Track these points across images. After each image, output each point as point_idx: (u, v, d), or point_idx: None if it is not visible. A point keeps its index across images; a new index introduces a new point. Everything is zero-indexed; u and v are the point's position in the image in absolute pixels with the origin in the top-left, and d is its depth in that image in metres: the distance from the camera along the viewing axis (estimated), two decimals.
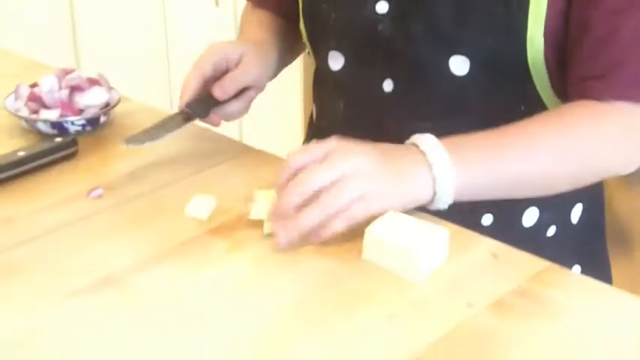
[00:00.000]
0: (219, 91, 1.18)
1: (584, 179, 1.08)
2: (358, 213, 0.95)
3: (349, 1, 1.18)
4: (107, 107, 1.29)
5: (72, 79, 1.29)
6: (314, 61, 1.31)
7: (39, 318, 0.89)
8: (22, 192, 1.13)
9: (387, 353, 0.84)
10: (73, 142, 1.22)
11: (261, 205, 1.02)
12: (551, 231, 1.24)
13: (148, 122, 1.28)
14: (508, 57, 1.09)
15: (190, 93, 1.17)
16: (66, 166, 1.20)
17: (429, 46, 1.12)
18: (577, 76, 1.07)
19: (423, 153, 0.98)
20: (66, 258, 0.99)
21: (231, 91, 1.19)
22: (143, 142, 1.13)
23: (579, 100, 1.06)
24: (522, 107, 1.13)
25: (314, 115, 1.38)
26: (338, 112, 1.27)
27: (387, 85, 1.18)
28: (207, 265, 0.97)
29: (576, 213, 1.26)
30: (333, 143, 0.97)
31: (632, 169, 1.08)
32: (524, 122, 1.04)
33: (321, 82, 1.31)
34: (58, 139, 1.22)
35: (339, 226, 0.95)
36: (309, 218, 0.94)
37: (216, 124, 1.22)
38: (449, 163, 0.97)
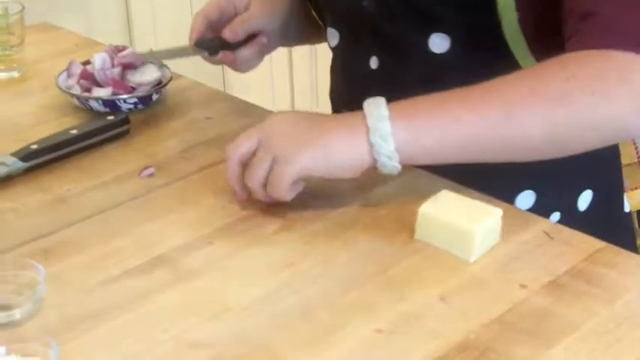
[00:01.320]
0: (229, 33, 1.19)
1: (569, 137, 0.94)
2: (274, 180, 0.97)
3: None
4: (159, 85, 1.29)
5: (124, 56, 1.29)
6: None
7: (93, 297, 0.90)
8: (74, 170, 1.14)
9: (440, 334, 0.84)
10: (126, 121, 1.23)
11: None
12: (555, 217, 1.18)
13: (201, 99, 1.29)
14: (486, 31, 1.06)
15: (196, 34, 1.20)
16: (118, 145, 1.20)
17: (409, 24, 1.11)
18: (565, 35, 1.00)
19: (363, 116, 0.96)
20: (117, 237, 0.99)
21: (242, 32, 1.20)
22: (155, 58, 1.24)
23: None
24: None
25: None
26: (337, 87, 1.29)
27: (374, 62, 1.18)
28: (258, 245, 0.98)
29: (584, 200, 1.21)
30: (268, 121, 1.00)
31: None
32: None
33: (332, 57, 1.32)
34: (111, 118, 1.22)
35: (260, 196, 0.99)
36: (240, 195, 1.02)
37: (230, 63, 1.23)
38: (386, 122, 0.94)
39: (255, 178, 0.97)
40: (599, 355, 0.81)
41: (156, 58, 1.25)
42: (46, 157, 1.14)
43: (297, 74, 3.10)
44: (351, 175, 0.97)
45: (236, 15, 1.21)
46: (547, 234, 0.98)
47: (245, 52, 1.22)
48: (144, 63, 1.29)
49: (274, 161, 0.96)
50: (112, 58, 1.29)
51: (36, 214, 1.04)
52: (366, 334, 0.84)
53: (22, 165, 1.11)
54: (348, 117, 0.98)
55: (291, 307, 0.87)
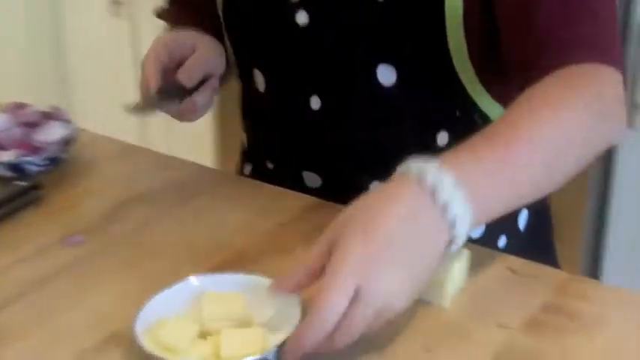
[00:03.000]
0: (185, 77, 1.08)
1: (585, 160, 0.93)
2: (374, 327, 0.81)
3: (268, 13, 1.12)
4: (66, 143, 1.21)
5: (25, 114, 1.20)
6: (240, 84, 1.23)
7: None
8: None
9: None
10: (38, 185, 1.13)
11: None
12: (502, 241, 1.17)
13: (113, 154, 1.21)
14: (434, 61, 1.04)
15: (155, 81, 1.07)
16: (32, 212, 1.11)
17: (354, 57, 1.07)
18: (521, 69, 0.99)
19: (442, 212, 0.81)
20: (62, 314, 0.91)
21: (198, 75, 1.09)
22: (145, 111, 1.07)
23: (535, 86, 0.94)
24: (457, 112, 1.09)
25: (245, 145, 1.29)
26: (259, 139, 1.23)
27: (315, 102, 1.12)
28: None
29: (523, 220, 1.20)
30: (355, 271, 0.79)
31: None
32: (509, 120, 0.90)
33: (251, 107, 1.24)
34: (20, 182, 1.13)
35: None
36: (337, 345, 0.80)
37: (191, 110, 1.10)
38: (468, 216, 0.83)
39: (352, 337, 0.80)
40: None
41: (138, 113, 1.08)
42: None
43: None
44: None
45: (183, 58, 1.10)
46: (511, 269, 0.96)
47: (201, 98, 1.10)
48: (47, 120, 1.21)
49: (375, 311, 0.79)
50: (13, 117, 1.20)
51: None
52: None
53: None
54: (429, 223, 0.82)
55: None
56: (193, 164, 1.21)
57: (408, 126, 1.10)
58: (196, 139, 2.54)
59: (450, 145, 1.07)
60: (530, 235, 1.21)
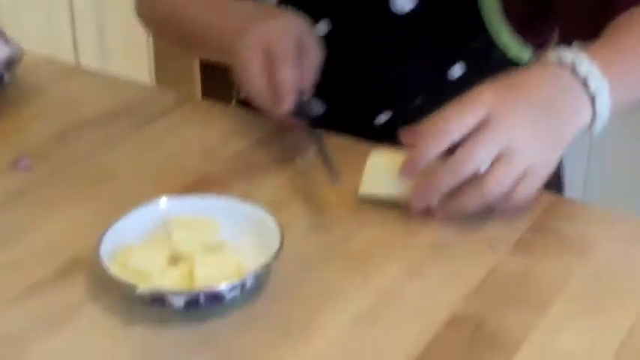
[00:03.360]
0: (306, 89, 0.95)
1: None
2: (522, 194, 0.81)
3: None
4: (11, 63, 1.11)
5: None
6: None
7: (5, 323, 0.75)
8: None
9: (423, 313, 0.75)
10: None
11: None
12: None
13: (58, 76, 1.12)
14: None
15: (293, 95, 0.91)
16: None
17: None
18: None
19: (582, 84, 0.83)
20: (14, 244, 0.83)
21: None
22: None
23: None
24: (475, 44, 1.04)
25: None
26: None
27: (323, 27, 1.05)
28: None
29: None
30: (487, 101, 0.80)
31: None
32: (622, 29, 0.91)
33: None
34: None
35: (505, 209, 0.83)
36: (470, 203, 0.81)
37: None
38: (606, 91, 0.83)
39: (500, 187, 0.80)
40: (591, 313, 0.76)
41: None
42: None
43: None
44: None
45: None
46: None
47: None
48: None
49: (524, 174, 0.80)
50: None
51: None
52: (344, 325, 0.74)
53: None
54: (569, 96, 0.83)
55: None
56: (146, 87, 1.14)
57: (422, 56, 1.04)
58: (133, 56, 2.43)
59: (464, 78, 1.03)
60: None
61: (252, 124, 1.04)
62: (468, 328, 0.73)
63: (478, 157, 0.79)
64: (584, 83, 0.82)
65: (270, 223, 0.81)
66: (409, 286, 0.78)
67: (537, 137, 0.81)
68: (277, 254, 0.77)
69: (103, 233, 0.78)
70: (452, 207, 0.83)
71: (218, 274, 0.76)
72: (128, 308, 0.75)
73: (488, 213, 0.85)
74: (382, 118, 1.08)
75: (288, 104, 0.91)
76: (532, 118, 0.81)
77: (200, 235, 0.80)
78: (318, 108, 1.10)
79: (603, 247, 0.83)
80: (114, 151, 0.99)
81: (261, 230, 0.81)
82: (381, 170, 0.86)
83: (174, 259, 0.78)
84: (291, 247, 0.79)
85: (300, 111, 0.93)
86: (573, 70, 0.82)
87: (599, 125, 0.84)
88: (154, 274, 0.76)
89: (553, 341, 0.72)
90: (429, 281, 0.79)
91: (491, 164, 0.79)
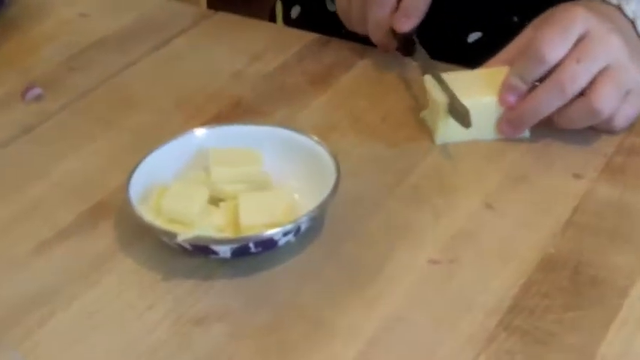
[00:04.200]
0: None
1: None
2: (627, 114, 0.75)
3: None
4: None
5: None
6: None
7: (28, 275, 0.65)
8: None
9: (509, 255, 0.65)
10: None
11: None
12: None
13: None
14: None
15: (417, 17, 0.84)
16: None
17: None
18: None
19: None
20: (31, 188, 0.73)
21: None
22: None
23: None
24: None
25: None
26: None
27: None
28: None
29: None
30: (583, 18, 0.73)
31: None
32: None
33: None
34: None
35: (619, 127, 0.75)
36: (577, 121, 0.74)
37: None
38: None
39: (608, 108, 0.73)
40: None
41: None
42: None
43: None
44: None
45: None
46: None
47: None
48: None
49: (627, 93, 0.74)
50: None
51: None
52: (419, 269, 0.63)
53: None
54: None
55: None
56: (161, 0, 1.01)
57: None
58: None
59: None
60: None
61: (286, 41, 0.92)
62: (566, 274, 0.63)
63: (584, 74, 0.71)
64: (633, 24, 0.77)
65: (321, 153, 0.70)
66: (489, 223, 0.68)
67: (634, 57, 0.74)
68: (334, 191, 0.66)
69: (131, 172, 0.68)
70: (558, 124, 0.74)
71: (267, 216, 0.65)
72: (165, 259, 0.65)
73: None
74: (472, 37, 0.96)
75: (412, 23, 0.83)
76: (624, 39, 0.74)
77: (243, 171, 0.69)
78: None
79: None
80: (133, 76, 0.88)
81: (312, 162, 0.70)
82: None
83: (215, 200, 0.67)
84: (346, 180, 0.68)
85: (409, 45, 0.84)
86: (620, 9, 0.77)
87: None
88: (194, 218, 0.65)
89: None
90: (510, 217, 0.68)
91: (595, 81, 0.71)
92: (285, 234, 0.64)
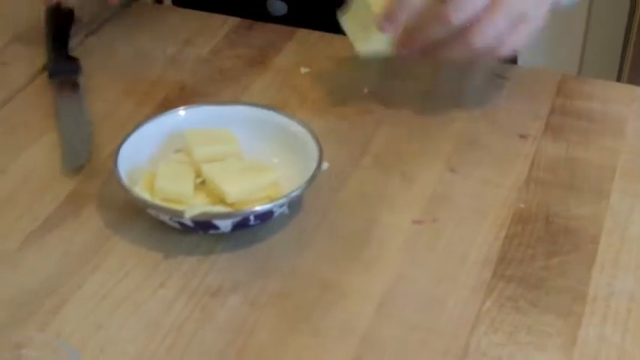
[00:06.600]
0: None
1: None
2: (518, 40, 0.75)
3: None
4: None
5: None
6: None
7: None
8: None
9: (479, 210, 0.70)
10: None
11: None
12: None
13: None
14: None
15: None
16: None
17: None
18: None
19: None
20: None
21: None
22: None
23: None
24: None
25: None
26: None
27: None
28: None
29: None
30: None
31: None
32: None
33: None
34: None
35: (502, 54, 0.75)
36: (478, 46, 0.73)
37: None
38: None
39: (495, 30, 0.73)
40: None
41: None
42: None
43: None
44: None
45: None
46: (499, 76, 0.86)
47: None
48: None
49: (518, 19, 0.74)
50: None
51: None
52: (405, 229, 0.68)
53: None
54: None
55: None
56: None
57: None
58: None
59: None
60: None
61: (211, 26, 0.93)
62: (539, 224, 0.68)
63: (470, 6, 0.72)
64: None
65: (294, 127, 0.72)
66: (457, 184, 0.73)
67: None
68: (320, 163, 0.69)
69: (115, 159, 0.68)
70: (439, 56, 0.76)
71: (253, 189, 0.67)
72: (161, 238, 0.66)
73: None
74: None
75: None
76: None
77: (222, 149, 0.71)
78: (281, 9, 1.01)
79: (632, 126, 0.80)
80: None
81: (285, 136, 0.72)
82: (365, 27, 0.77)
83: (199, 177, 0.69)
84: None
85: None
86: None
87: None
88: (190, 196, 0.66)
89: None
90: (474, 178, 0.73)
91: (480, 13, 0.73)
92: (281, 205, 0.66)
